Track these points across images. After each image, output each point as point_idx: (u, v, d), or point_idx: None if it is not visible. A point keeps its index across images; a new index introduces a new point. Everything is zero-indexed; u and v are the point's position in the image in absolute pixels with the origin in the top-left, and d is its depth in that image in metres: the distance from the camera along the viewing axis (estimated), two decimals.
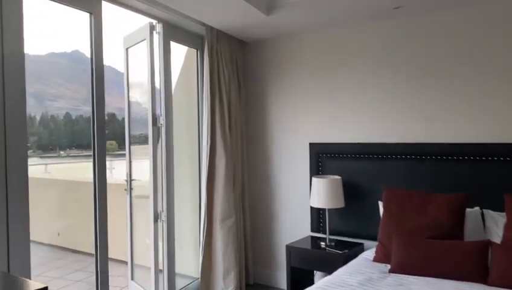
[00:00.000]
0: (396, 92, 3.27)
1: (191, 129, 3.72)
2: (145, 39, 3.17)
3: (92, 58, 2.56)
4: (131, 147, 3.72)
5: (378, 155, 3.30)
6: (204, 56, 3.37)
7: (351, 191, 3.40)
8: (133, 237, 3.64)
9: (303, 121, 3.70)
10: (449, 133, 3.06)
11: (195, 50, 3.61)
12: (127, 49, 3.51)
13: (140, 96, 3.74)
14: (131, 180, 3.60)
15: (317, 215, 3.60)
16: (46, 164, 8.10)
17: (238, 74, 3.76)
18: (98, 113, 2.58)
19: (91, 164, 2.66)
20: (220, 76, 3.47)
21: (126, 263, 3.70)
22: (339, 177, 3.32)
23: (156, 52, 3.17)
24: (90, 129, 2.65)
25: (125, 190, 3.62)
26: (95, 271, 2.67)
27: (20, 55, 2.01)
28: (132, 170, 3.64)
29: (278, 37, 3.78)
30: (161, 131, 3.20)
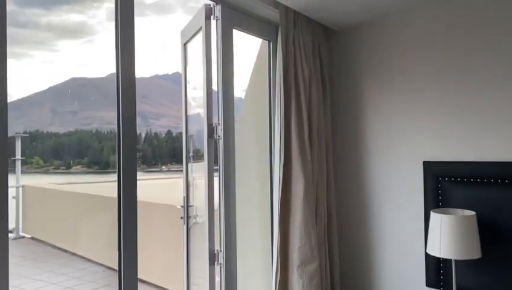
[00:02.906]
0: None
1: (260, 143, 2.93)
2: (201, 28, 2.47)
3: (117, 54, 1.91)
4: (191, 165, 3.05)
5: None
6: (278, 47, 2.58)
7: (491, 233, 2.29)
8: (191, 275, 2.92)
9: (413, 130, 2.68)
10: None
11: (267, 42, 2.82)
12: (184, 45, 2.86)
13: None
14: (188, 206, 2.91)
15: (436, 265, 2.53)
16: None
17: (323, 70, 2.88)
18: (124, 124, 1.93)
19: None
20: (298, 73, 2.63)
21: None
22: (473, 213, 2.23)
23: (214, 44, 2.45)
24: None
25: (181, 218, 2.94)
26: None
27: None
28: (192, 193, 2.96)
29: (378, 20, 2.83)
30: (219, 145, 2.45)
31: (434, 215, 2.27)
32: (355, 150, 2.96)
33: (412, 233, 2.67)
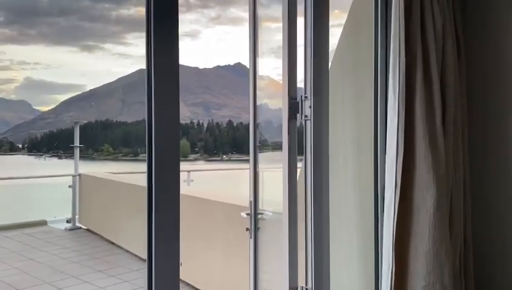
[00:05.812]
0: None
1: (358, 128, 2.08)
2: None
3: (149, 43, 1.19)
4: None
5: None
6: None
7: None
8: None
9: None
10: None
11: None
12: None
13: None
14: (256, 213, 2.14)
15: None
16: (189, 171, 7.39)
17: (457, 26, 1.94)
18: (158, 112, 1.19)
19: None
20: (426, 22, 1.74)
21: None
22: None
23: None
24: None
25: (247, 229, 2.18)
26: None
27: None
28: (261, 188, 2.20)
29: None
30: (306, 128, 1.63)
31: None
32: (502, 146, 1.99)
33: None
